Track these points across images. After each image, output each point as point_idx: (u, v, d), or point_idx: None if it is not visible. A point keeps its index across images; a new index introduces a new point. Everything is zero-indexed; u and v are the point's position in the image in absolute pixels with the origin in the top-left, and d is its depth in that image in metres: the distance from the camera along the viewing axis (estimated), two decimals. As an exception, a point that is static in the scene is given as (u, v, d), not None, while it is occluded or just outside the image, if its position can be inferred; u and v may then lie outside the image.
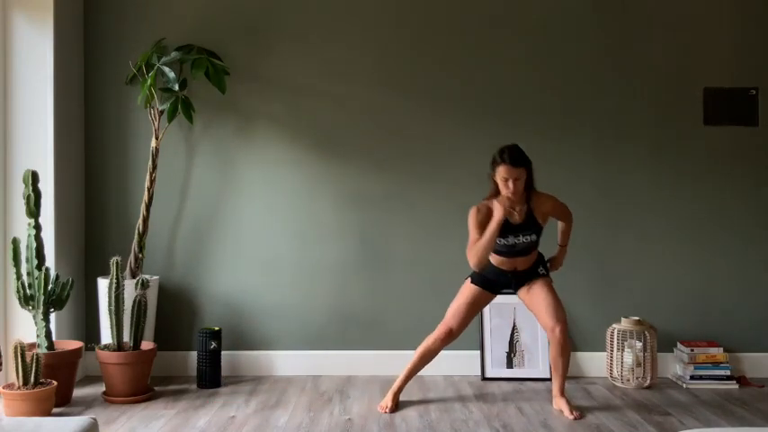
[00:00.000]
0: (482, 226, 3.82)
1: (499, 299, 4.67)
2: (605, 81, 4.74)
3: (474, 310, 4.06)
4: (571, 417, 3.87)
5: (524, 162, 3.83)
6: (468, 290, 4.03)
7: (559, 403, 4.00)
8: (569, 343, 4.03)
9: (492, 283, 4.03)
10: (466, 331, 4.67)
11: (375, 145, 4.72)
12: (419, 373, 4.47)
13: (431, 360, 4.10)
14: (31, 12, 4.29)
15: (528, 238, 3.91)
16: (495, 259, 4.00)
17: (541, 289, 3.98)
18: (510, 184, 3.79)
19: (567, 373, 4.07)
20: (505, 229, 3.85)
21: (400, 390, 4.07)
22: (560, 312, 3.94)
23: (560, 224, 4.14)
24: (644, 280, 4.73)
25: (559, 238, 4.17)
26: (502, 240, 3.88)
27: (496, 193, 3.90)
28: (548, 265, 4.13)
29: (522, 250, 3.95)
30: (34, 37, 4.30)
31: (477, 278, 4.02)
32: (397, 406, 4.01)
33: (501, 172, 3.80)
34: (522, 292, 4.06)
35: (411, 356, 4.15)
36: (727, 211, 4.74)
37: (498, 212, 3.78)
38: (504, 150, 3.82)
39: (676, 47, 4.74)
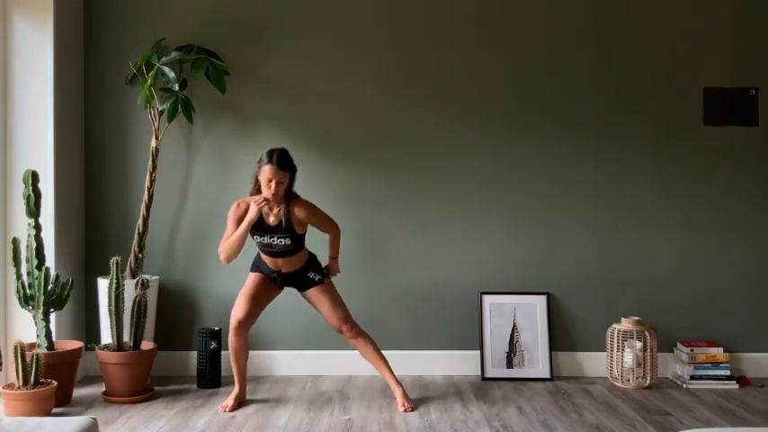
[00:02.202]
0: (238, 222, 3.91)
1: (499, 299, 4.69)
2: (605, 81, 4.74)
3: (257, 295, 4.04)
4: (402, 409, 3.95)
5: (290, 167, 3.91)
6: (249, 279, 4.09)
7: (395, 393, 4.05)
8: (364, 333, 4.08)
9: (268, 273, 4.07)
10: (466, 331, 4.69)
11: (375, 145, 4.72)
12: (419, 373, 4.49)
13: (245, 353, 4.08)
14: (31, 12, 4.29)
15: (282, 240, 3.94)
16: (263, 255, 4.06)
17: (318, 296, 4.07)
18: (272, 185, 3.84)
19: (386, 360, 4.09)
20: (261, 228, 3.93)
21: (242, 391, 4.08)
22: (343, 313, 4.05)
23: (328, 237, 4.14)
24: (644, 280, 4.73)
25: (329, 250, 4.17)
26: (258, 238, 3.96)
27: (257, 192, 3.96)
28: (325, 271, 4.13)
29: (281, 252, 3.98)
30: (34, 37, 4.30)
31: (254, 265, 4.11)
32: (237, 406, 4.01)
33: (266, 172, 3.84)
34: (305, 295, 4.11)
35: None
36: (728, 211, 4.74)
37: (252, 213, 3.85)
38: (272, 152, 3.87)
39: (676, 47, 4.74)
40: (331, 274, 4.19)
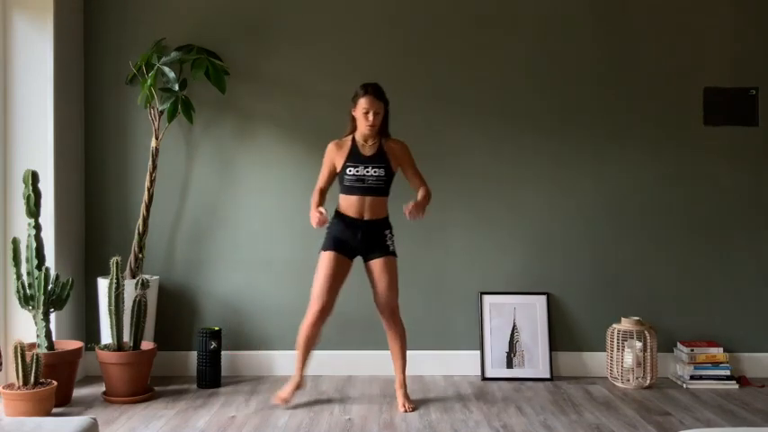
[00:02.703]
0: (331, 162, 4.03)
1: (499, 299, 4.69)
2: (605, 81, 4.74)
3: (337, 280, 4.01)
4: (402, 409, 3.95)
5: (384, 97, 4.00)
6: (324, 260, 4.02)
7: (398, 394, 4.05)
8: (402, 328, 4.06)
9: (343, 244, 4.00)
10: (466, 331, 4.69)
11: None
12: (419, 373, 4.49)
13: (315, 343, 4.09)
14: (31, 12, 4.29)
15: (377, 171, 3.96)
16: (343, 203, 4.02)
17: (383, 268, 4.01)
18: (370, 116, 3.93)
19: (406, 361, 4.09)
20: (356, 158, 3.97)
21: (302, 381, 4.08)
22: (393, 297, 4.03)
23: (420, 191, 4.07)
24: (644, 280, 4.74)
25: (420, 194, 4.06)
26: (352, 170, 3.96)
27: (354, 130, 4.04)
28: (393, 240, 4.08)
29: (371, 189, 3.98)
30: (34, 37, 4.30)
31: (329, 243, 4.03)
32: (292, 398, 4.05)
33: (362, 104, 3.95)
34: (370, 264, 4.04)
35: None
36: (728, 211, 4.74)
37: (312, 220, 3.91)
38: (367, 85, 3.99)
39: (676, 47, 4.74)
40: (413, 209, 3.97)
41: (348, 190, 4.01)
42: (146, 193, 4.47)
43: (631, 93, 4.74)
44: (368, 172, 3.97)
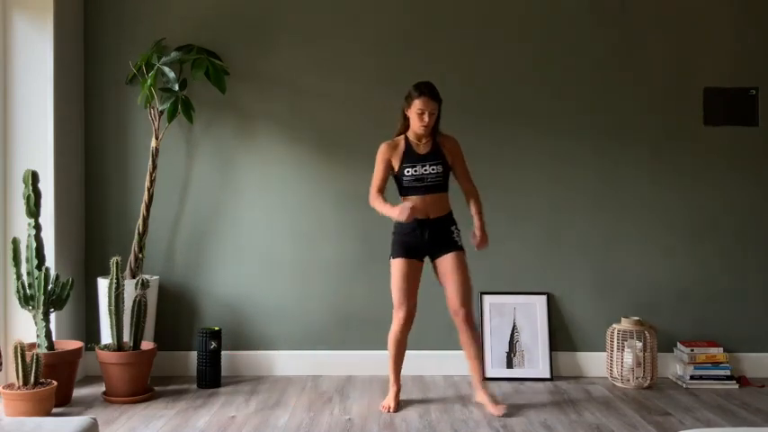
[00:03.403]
0: (386, 163, 3.98)
1: (499, 299, 4.69)
2: (605, 81, 4.74)
3: (413, 283, 4.01)
4: (495, 412, 3.89)
5: (438, 97, 3.95)
6: (396, 267, 4.01)
7: (481, 397, 4.01)
8: (476, 327, 4.04)
9: (411, 248, 3.98)
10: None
11: (375, 145, 4.68)
12: (419, 373, 4.49)
13: (404, 349, 4.08)
14: (31, 12, 4.29)
15: (435, 168, 3.94)
16: (410, 202, 3.98)
17: (455, 265, 3.96)
18: (425, 117, 3.89)
19: (482, 361, 4.07)
20: (412, 158, 3.94)
21: (398, 388, 4.07)
22: (467, 295, 3.97)
23: (471, 206, 4.10)
24: (644, 280, 4.74)
25: (475, 215, 4.09)
26: (410, 171, 3.93)
27: (405, 129, 4.00)
28: (459, 235, 4.04)
29: (432, 186, 3.95)
30: (34, 37, 4.30)
31: (397, 250, 4.01)
32: (399, 405, 4.01)
33: (417, 105, 3.90)
34: (438, 262, 4.00)
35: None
36: (728, 211, 4.74)
37: (397, 214, 3.83)
38: (420, 84, 3.94)
39: (676, 47, 4.74)
40: (480, 242, 4.05)
41: (408, 191, 3.98)
42: (146, 193, 4.47)
43: (631, 93, 4.74)
44: (426, 170, 3.94)
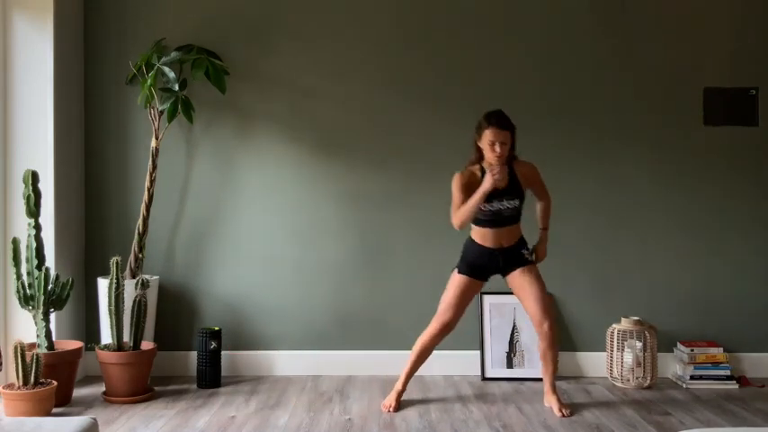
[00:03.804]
0: (466, 188, 3.87)
1: (499, 299, 4.69)
2: (605, 81, 4.74)
3: (466, 299, 4.03)
4: (559, 414, 3.89)
5: (511, 126, 3.88)
6: (457, 281, 4.01)
7: (550, 400, 4.01)
8: (558, 338, 4.04)
9: (479, 268, 4.00)
10: (466, 331, 4.69)
11: (375, 145, 4.73)
12: (419, 373, 4.47)
13: (428, 356, 4.10)
14: (31, 12, 4.29)
15: (512, 203, 3.92)
16: (479, 235, 3.99)
17: (530, 279, 3.96)
18: (497, 147, 3.82)
19: (558, 368, 4.08)
20: (490, 194, 3.87)
21: (403, 389, 4.08)
22: (547, 306, 3.96)
23: (539, 205, 4.11)
24: (644, 280, 4.74)
25: (540, 221, 4.11)
26: (486, 206, 3.88)
27: (478, 159, 3.94)
28: (531, 251, 4.08)
29: (507, 218, 3.95)
30: (34, 37, 4.30)
31: (464, 267, 4.01)
32: (399, 406, 4.02)
33: (488, 135, 3.83)
34: (511, 278, 4.02)
35: (409, 357, 4.15)
36: (728, 211, 4.74)
37: (488, 183, 3.79)
38: (490, 114, 3.87)
39: (676, 47, 4.74)
40: (538, 258, 4.06)
41: (484, 224, 3.95)
42: (146, 193, 4.47)
43: (631, 93, 4.74)
44: (502, 206, 3.90)
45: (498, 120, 3.84)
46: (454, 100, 4.73)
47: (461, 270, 4.01)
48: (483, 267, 4.00)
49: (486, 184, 3.79)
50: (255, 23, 4.71)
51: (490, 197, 3.86)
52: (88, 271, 4.68)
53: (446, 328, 4.02)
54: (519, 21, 4.74)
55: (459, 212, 3.88)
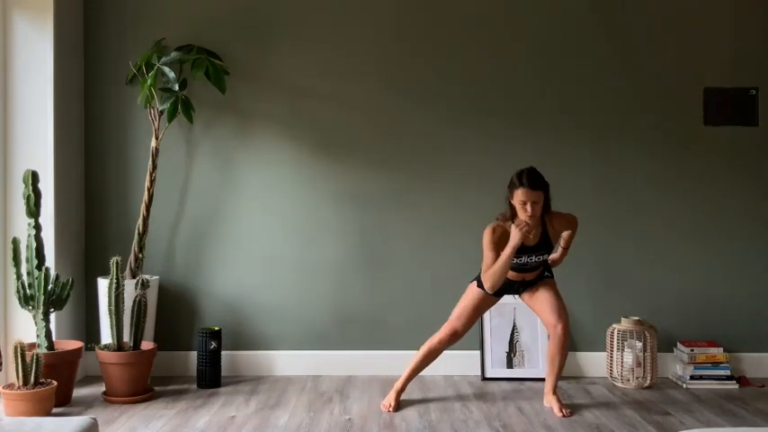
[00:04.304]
0: (497, 246, 3.85)
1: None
2: (605, 81, 4.74)
3: (479, 312, 4.10)
4: (560, 414, 3.89)
5: (543, 185, 3.84)
6: (473, 293, 4.05)
7: (551, 400, 4.01)
8: (569, 342, 4.05)
9: (498, 290, 4.04)
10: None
11: (375, 145, 4.72)
12: (419, 373, 4.47)
13: (434, 360, 4.12)
14: (31, 12, 4.29)
15: (540, 257, 3.96)
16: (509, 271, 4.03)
17: (547, 290, 4.03)
18: (528, 207, 3.78)
19: (562, 371, 4.08)
20: (519, 249, 3.86)
21: (403, 389, 4.08)
22: (564, 311, 4.00)
23: (565, 233, 4.15)
24: (644, 280, 4.73)
25: (563, 242, 4.17)
26: (514, 260, 3.89)
27: (512, 215, 3.89)
28: (552, 275, 4.17)
29: (533, 268, 4.01)
30: (34, 37, 4.30)
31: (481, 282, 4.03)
32: (398, 405, 4.02)
33: (519, 195, 3.79)
34: (527, 294, 4.10)
35: (411, 356, 4.15)
36: (728, 211, 4.74)
37: (515, 239, 3.78)
38: (522, 173, 3.83)
39: (676, 47, 4.74)
40: (552, 265, 4.16)
41: (511, 269, 3.95)
42: (146, 193, 4.47)
43: (631, 93, 4.74)
44: (530, 260, 3.93)
45: (530, 180, 3.79)
46: (454, 100, 4.73)
47: (480, 284, 4.01)
48: (502, 289, 4.05)
49: (514, 239, 3.78)
50: (255, 23, 4.71)
51: (519, 253, 3.86)
52: (88, 271, 4.68)
53: (454, 336, 4.04)
54: (519, 21, 4.74)
55: (491, 273, 3.86)
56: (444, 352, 4.65)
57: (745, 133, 4.75)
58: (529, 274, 4.04)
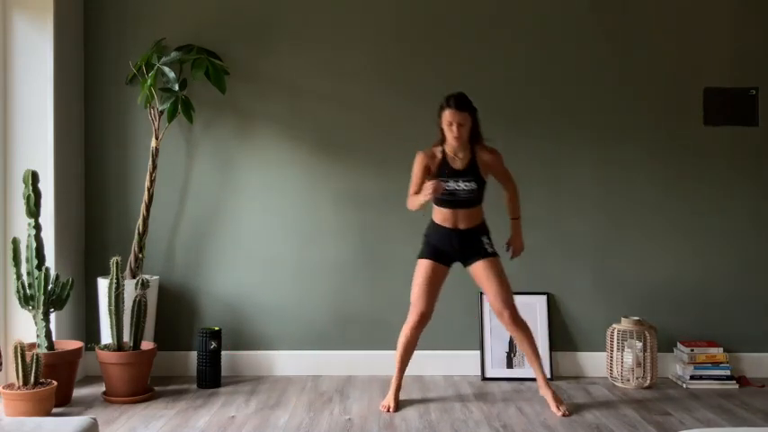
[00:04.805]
0: (425, 170, 3.96)
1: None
2: (605, 81, 4.74)
3: (433, 286, 4.03)
4: (558, 413, 3.91)
5: (468, 107, 3.93)
6: (421, 266, 4.04)
7: (544, 393, 4.04)
8: (525, 326, 4.04)
9: (439, 252, 4.01)
10: (466, 331, 4.70)
11: (375, 145, 4.72)
12: (419, 373, 4.49)
13: (414, 349, 4.10)
14: (31, 12, 4.29)
15: (468, 185, 3.94)
16: (438, 215, 4.03)
17: (489, 270, 3.99)
18: (454, 128, 3.88)
19: (540, 356, 4.08)
20: (447, 172, 3.93)
21: (399, 387, 4.08)
22: (508, 296, 3.99)
23: (505, 195, 4.14)
24: (644, 280, 4.73)
25: (508, 211, 4.15)
26: (443, 185, 3.92)
27: (441, 141, 4.00)
28: (508, 245, 4.13)
29: (463, 201, 3.97)
30: (34, 37, 4.30)
31: (426, 251, 4.04)
32: (398, 405, 4.02)
33: (446, 116, 3.91)
34: (472, 269, 4.04)
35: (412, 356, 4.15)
36: (728, 211, 4.74)
37: (423, 195, 3.85)
38: (450, 96, 3.94)
39: (676, 47, 4.74)
40: (515, 252, 4.15)
41: (440, 203, 3.99)
42: (146, 193, 4.47)
43: (631, 93, 4.74)
44: (459, 186, 3.94)
45: (456, 101, 3.91)
46: (454, 100, 4.72)
47: (423, 254, 4.05)
48: (443, 251, 4.02)
49: (422, 196, 3.86)
50: (255, 23, 4.71)
51: (447, 176, 3.93)
52: (88, 271, 4.68)
53: (423, 319, 4.02)
54: (519, 21, 4.74)
55: (410, 202, 4.00)
56: (444, 352, 4.67)
57: (745, 133, 4.75)
58: (461, 214, 3.98)
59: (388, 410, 3.97)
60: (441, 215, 4.03)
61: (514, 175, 4.73)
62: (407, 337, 4.05)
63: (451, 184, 3.93)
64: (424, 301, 4.01)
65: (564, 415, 3.89)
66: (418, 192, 3.96)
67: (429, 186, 3.82)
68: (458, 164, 3.96)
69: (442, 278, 4.07)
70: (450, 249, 4.02)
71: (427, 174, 3.97)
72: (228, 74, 4.57)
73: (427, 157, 3.98)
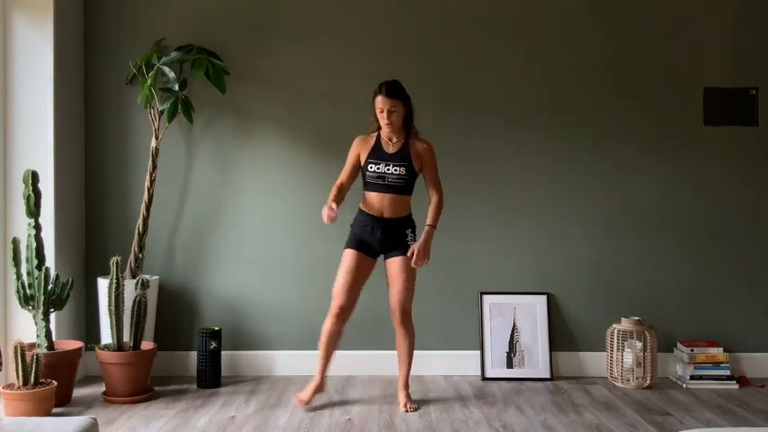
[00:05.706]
0: (355, 155, 4.03)
1: (499, 299, 4.69)
2: (605, 81, 4.74)
3: (356, 280, 4.00)
4: (403, 409, 3.96)
5: (400, 95, 3.96)
6: (344, 257, 4.04)
7: (399, 395, 4.06)
8: (412, 331, 4.06)
9: (362, 241, 4.01)
10: (466, 331, 4.69)
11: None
12: (419, 373, 4.48)
13: (337, 341, 4.08)
14: (31, 12, 4.29)
15: (398, 169, 3.95)
16: (365, 202, 4.04)
17: (401, 269, 4.00)
18: (385, 114, 3.93)
19: (412, 362, 4.09)
20: (378, 155, 3.97)
21: (321, 381, 4.09)
22: (405, 297, 4.01)
23: (431, 199, 4.08)
24: (644, 280, 4.74)
25: (428, 215, 4.05)
26: (373, 167, 3.96)
27: (378, 126, 4.04)
28: (413, 237, 4.07)
29: (392, 187, 3.97)
30: (34, 37, 4.30)
31: (351, 240, 4.05)
32: (311, 399, 4.04)
33: (378, 103, 3.95)
34: (389, 263, 4.04)
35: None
36: (727, 211, 4.74)
37: (323, 216, 3.84)
38: (383, 83, 3.97)
39: (676, 47, 4.74)
40: (417, 256, 3.98)
41: (369, 187, 4.02)
42: (146, 193, 4.47)
43: (631, 93, 4.74)
44: (388, 170, 3.97)
45: (388, 88, 3.93)
46: (454, 99, 4.73)
47: (348, 244, 4.05)
48: (366, 242, 4.02)
49: (323, 214, 3.86)
50: (255, 23, 4.71)
51: (377, 158, 3.98)
52: (88, 271, 4.68)
53: (342, 313, 3.99)
54: (519, 21, 4.74)
55: (332, 189, 4.00)
56: (444, 352, 4.67)
57: (745, 133, 4.75)
58: (387, 200, 3.97)
59: (304, 404, 3.99)
60: (368, 200, 4.02)
61: (514, 174, 4.75)
62: (328, 333, 4.03)
63: (381, 167, 3.96)
64: (344, 294, 3.98)
65: (407, 410, 3.94)
66: (345, 179, 4.02)
67: (325, 212, 3.84)
68: (390, 148, 4.00)
69: (366, 271, 4.05)
70: (371, 239, 4.01)
71: (358, 160, 4.02)
72: (228, 74, 4.57)
73: (362, 141, 4.05)
